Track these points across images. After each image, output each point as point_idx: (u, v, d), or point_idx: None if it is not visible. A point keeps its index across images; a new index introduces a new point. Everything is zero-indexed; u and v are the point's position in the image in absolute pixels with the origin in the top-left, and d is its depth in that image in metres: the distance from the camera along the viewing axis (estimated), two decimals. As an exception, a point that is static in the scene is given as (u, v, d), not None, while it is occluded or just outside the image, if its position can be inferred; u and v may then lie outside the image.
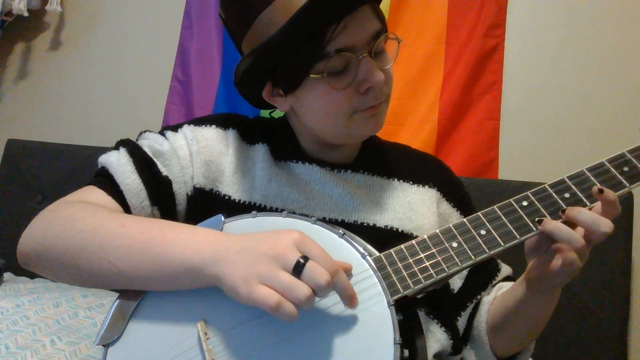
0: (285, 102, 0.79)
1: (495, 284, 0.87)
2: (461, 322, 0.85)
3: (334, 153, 0.84)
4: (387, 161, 0.89)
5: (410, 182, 0.86)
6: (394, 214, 0.80)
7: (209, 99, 1.78)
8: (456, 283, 0.86)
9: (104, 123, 1.91)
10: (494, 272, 0.88)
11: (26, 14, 1.86)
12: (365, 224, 0.78)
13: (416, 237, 0.75)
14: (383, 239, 0.70)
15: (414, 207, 0.82)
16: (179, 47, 1.85)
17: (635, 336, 1.29)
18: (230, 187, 0.79)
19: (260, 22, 0.70)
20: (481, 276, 0.86)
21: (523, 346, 0.82)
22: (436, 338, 0.79)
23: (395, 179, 0.85)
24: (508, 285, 0.85)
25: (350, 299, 0.57)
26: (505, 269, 0.90)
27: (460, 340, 0.84)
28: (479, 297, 0.85)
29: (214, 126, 0.83)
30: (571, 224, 0.63)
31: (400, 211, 0.81)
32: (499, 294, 0.84)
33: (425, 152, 0.99)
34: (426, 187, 0.86)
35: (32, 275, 1.41)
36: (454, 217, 0.88)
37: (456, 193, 0.91)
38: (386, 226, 0.79)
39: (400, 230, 0.79)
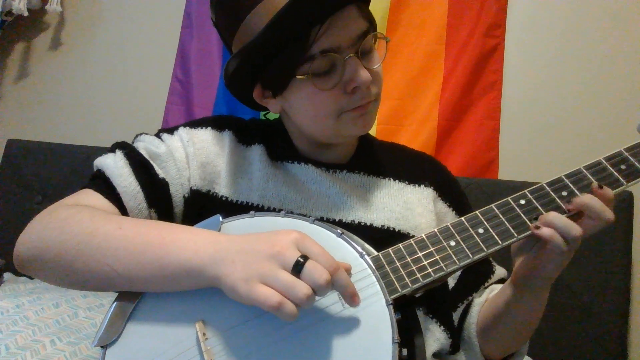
0: (275, 103, 0.79)
1: (488, 286, 0.87)
2: (457, 315, 0.85)
3: (329, 153, 0.84)
4: (382, 161, 0.89)
5: (406, 182, 0.86)
6: (390, 213, 0.80)
7: (209, 99, 1.78)
8: (450, 283, 0.86)
9: (104, 123, 1.91)
10: (488, 274, 0.88)
11: (26, 13, 1.86)
12: (362, 224, 0.78)
13: (413, 236, 0.75)
14: (380, 238, 0.70)
15: (410, 207, 0.82)
16: (179, 47, 1.85)
17: (635, 336, 1.30)
18: (227, 188, 0.79)
19: (246, 24, 0.70)
20: (474, 277, 0.86)
21: (512, 349, 0.82)
22: (435, 337, 0.79)
23: (391, 179, 0.85)
24: (499, 287, 0.85)
25: (351, 297, 0.57)
26: (500, 272, 0.90)
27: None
28: (470, 298, 0.85)
29: (209, 128, 0.83)
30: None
31: (397, 211, 0.81)
32: (490, 296, 0.84)
33: (421, 151, 0.99)
34: (422, 186, 0.86)
35: (31, 276, 1.41)
36: (450, 216, 0.88)
37: (452, 192, 0.91)
38: (383, 226, 0.79)
39: (397, 230, 0.79)
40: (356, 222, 0.78)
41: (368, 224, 0.78)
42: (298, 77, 0.71)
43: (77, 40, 2.00)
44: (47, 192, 1.65)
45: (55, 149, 1.70)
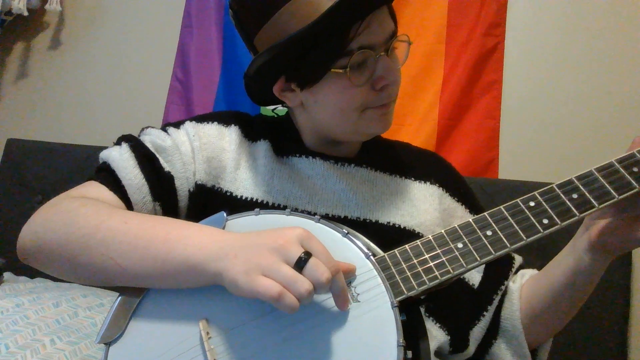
0: (296, 97, 0.79)
1: (516, 272, 0.87)
2: (488, 317, 0.83)
3: (337, 149, 0.84)
4: (389, 157, 0.89)
5: (412, 179, 0.86)
6: (396, 210, 0.81)
7: (209, 99, 1.78)
8: (475, 277, 0.85)
9: (104, 123, 1.91)
10: (510, 260, 0.87)
11: (26, 13, 1.86)
12: (367, 221, 0.78)
13: (418, 233, 0.75)
14: (386, 235, 0.70)
15: (416, 204, 0.83)
16: (179, 47, 1.85)
17: (635, 336, 1.29)
18: (232, 184, 0.79)
19: (282, 16, 0.71)
20: (499, 266, 0.85)
21: (559, 329, 0.81)
22: (432, 335, 0.79)
23: (397, 176, 0.86)
24: (530, 271, 0.84)
25: (344, 302, 0.57)
26: (518, 258, 0.90)
27: (486, 334, 0.83)
28: (503, 287, 0.84)
29: (215, 123, 0.83)
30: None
31: (402, 208, 0.81)
32: (526, 280, 0.84)
33: (426, 149, 0.99)
34: (427, 183, 0.87)
35: (32, 275, 1.41)
36: (460, 211, 0.88)
37: (459, 187, 0.91)
38: (388, 223, 0.79)
39: (402, 227, 0.79)
40: (362, 218, 0.78)
41: (374, 220, 0.78)
42: (334, 70, 0.72)
43: (77, 40, 1.99)
44: (47, 192, 1.64)
45: (55, 149, 1.70)
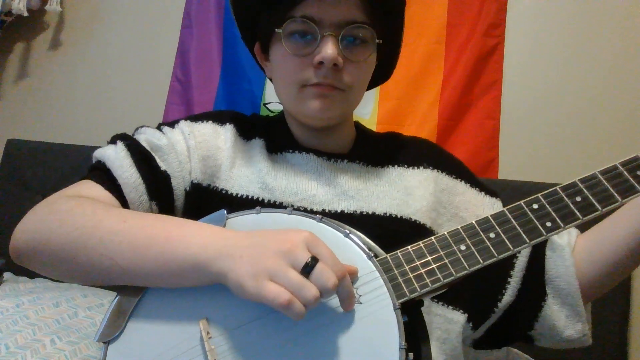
0: (269, 67, 0.83)
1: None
2: (516, 279, 0.81)
3: (328, 142, 0.84)
4: (381, 150, 0.89)
5: (405, 166, 0.86)
6: (391, 200, 0.80)
7: (209, 99, 1.78)
8: None
9: (104, 123, 1.90)
10: None
11: (26, 13, 1.86)
12: (364, 213, 0.78)
13: (415, 221, 0.75)
14: (383, 226, 0.70)
15: (410, 192, 0.82)
16: (179, 47, 1.85)
17: (635, 336, 1.29)
18: (227, 182, 0.79)
19: None
20: None
21: (613, 285, 0.79)
22: (448, 319, 0.78)
23: (390, 166, 0.85)
24: (574, 230, 0.81)
25: (349, 304, 0.57)
26: None
27: (532, 297, 0.81)
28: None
29: (210, 122, 0.84)
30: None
31: (397, 197, 0.81)
32: (581, 235, 0.81)
33: (415, 136, 0.98)
34: (420, 168, 0.86)
35: (32, 275, 1.41)
36: (460, 187, 0.87)
37: (453, 165, 0.90)
38: (385, 213, 0.78)
39: (399, 216, 0.79)
40: (358, 212, 0.78)
41: (370, 212, 0.78)
42: (277, 30, 0.74)
43: (77, 40, 2.00)
44: (47, 192, 1.62)
45: (55, 149, 1.70)
